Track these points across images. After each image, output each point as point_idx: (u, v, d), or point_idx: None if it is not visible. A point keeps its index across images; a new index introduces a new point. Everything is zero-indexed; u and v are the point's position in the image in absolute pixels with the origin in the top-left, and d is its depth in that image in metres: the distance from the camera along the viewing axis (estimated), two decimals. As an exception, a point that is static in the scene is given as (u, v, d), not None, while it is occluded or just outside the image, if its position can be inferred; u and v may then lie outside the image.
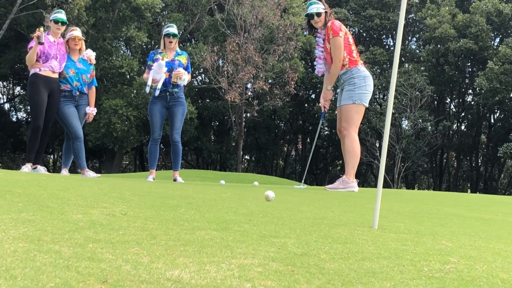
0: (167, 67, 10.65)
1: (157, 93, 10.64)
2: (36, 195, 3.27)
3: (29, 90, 10.10)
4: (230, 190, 6.11)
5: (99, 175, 10.47)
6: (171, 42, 10.83)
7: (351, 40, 8.74)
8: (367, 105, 8.79)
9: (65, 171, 10.36)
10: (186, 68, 10.90)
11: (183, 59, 10.97)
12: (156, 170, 11.12)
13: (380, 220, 3.30)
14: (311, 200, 5.87)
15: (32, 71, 10.01)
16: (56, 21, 10.16)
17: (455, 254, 2.68)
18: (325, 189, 9.05)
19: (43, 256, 1.98)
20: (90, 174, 10.37)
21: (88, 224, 2.62)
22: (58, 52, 10.12)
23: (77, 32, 10.47)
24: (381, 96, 51.79)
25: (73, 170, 17.03)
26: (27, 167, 9.98)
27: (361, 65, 8.75)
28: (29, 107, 10.65)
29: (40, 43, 9.79)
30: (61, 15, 10.28)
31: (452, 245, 2.95)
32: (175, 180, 10.85)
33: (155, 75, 10.60)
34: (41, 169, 10.20)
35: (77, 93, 10.37)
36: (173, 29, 10.95)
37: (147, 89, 10.71)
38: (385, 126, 3.12)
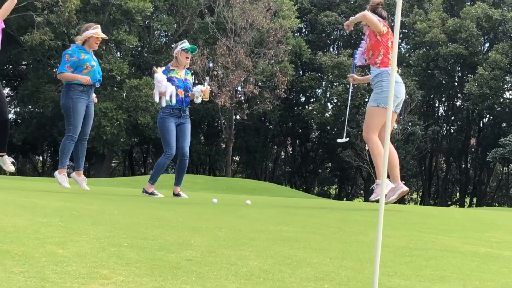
0: (182, 87, 10.62)
1: (163, 103, 10.55)
2: (35, 257, 3.24)
3: None
4: (226, 222, 6.08)
5: (88, 188, 10.42)
6: (188, 57, 10.77)
7: (390, 43, 8.79)
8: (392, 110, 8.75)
9: (66, 181, 10.16)
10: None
11: (190, 77, 11.03)
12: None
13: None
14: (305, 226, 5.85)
15: None
16: None
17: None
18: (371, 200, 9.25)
19: None
20: (84, 185, 10.31)
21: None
22: None
23: (101, 31, 10.28)
24: (371, 100, 51.82)
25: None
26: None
27: (387, 66, 8.80)
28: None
29: None
30: None
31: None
32: (177, 195, 10.83)
33: (160, 88, 10.54)
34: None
35: (98, 84, 10.20)
36: (190, 45, 10.90)
37: (163, 103, 10.61)
38: (385, 133, 3.10)
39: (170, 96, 10.50)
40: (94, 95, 10.34)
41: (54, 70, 44.36)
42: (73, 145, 10.01)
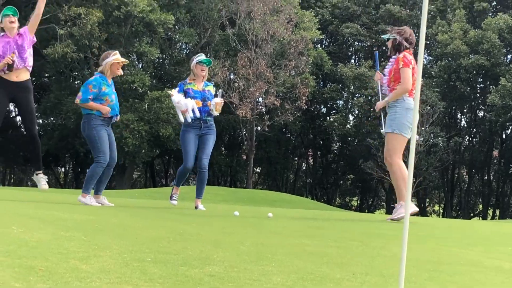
0: (199, 97, 10.66)
1: (189, 119, 10.58)
2: (59, 273, 3.24)
3: None
4: (248, 236, 6.06)
5: (112, 204, 10.43)
6: (203, 70, 10.81)
7: (415, 75, 8.86)
8: (408, 136, 8.87)
9: (93, 200, 10.17)
10: (214, 97, 10.93)
11: (212, 89, 11.01)
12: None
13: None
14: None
15: None
16: (6, 15, 9.84)
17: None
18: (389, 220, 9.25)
19: None
20: (105, 201, 10.35)
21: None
22: (16, 45, 9.82)
23: (120, 56, 10.38)
24: (393, 111, 51.61)
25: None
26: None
27: (409, 96, 8.93)
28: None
29: (9, 70, 9.72)
30: (9, 9, 10.11)
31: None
32: (196, 207, 10.85)
33: (181, 108, 10.61)
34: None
35: (115, 119, 10.31)
36: (205, 57, 10.94)
37: (189, 119, 10.65)
38: (410, 145, 3.11)
39: (193, 111, 10.57)
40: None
41: (76, 83, 44.63)
42: (101, 171, 10.07)
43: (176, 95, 10.61)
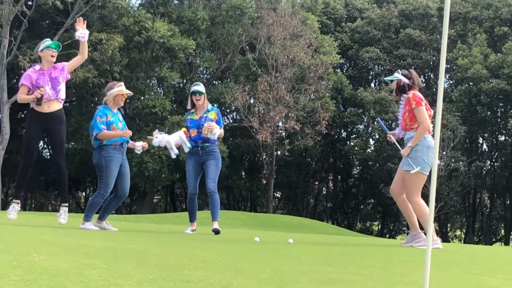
0: (194, 126, 10.85)
1: (173, 155, 10.93)
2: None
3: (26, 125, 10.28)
4: (268, 263, 6.03)
5: (116, 229, 10.50)
6: (198, 100, 11.00)
7: (429, 111, 9.11)
8: (427, 173, 9.02)
9: (92, 225, 10.28)
10: (217, 123, 11.01)
11: (212, 114, 11.10)
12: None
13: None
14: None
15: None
16: (49, 47, 10.09)
17: None
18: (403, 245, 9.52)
19: None
20: (109, 227, 10.41)
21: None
22: (49, 78, 10.04)
23: (125, 88, 10.54)
24: (413, 136, 51.42)
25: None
26: (14, 210, 10.18)
27: (429, 134, 9.05)
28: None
29: (39, 104, 9.87)
30: (50, 41, 10.27)
31: None
32: (213, 230, 10.86)
33: (171, 145, 10.84)
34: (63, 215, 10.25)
35: (125, 145, 10.41)
36: (199, 87, 11.11)
37: (173, 155, 10.88)
38: (432, 171, 3.07)
39: (184, 144, 10.79)
40: (141, 142, 10.61)
41: (98, 107, 44.88)
42: (101, 202, 10.22)
43: (155, 139, 10.87)
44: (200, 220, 11.54)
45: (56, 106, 10.02)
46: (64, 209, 10.22)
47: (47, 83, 9.86)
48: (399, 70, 9.50)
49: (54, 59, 10.09)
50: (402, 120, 9.32)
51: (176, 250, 6.55)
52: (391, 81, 9.51)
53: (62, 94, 10.04)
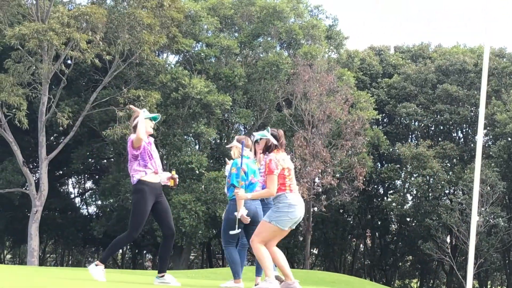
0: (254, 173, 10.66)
1: (238, 215, 10.42)
2: None
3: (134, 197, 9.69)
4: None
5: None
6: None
7: (286, 172, 9.24)
8: (285, 229, 9.17)
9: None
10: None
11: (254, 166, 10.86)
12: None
13: None
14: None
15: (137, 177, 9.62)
16: (154, 119, 9.87)
17: None
18: None
19: None
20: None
21: None
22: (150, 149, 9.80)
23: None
24: (451, 191, 50.96)
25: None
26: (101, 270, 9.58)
27: (291, 192, 9.22)
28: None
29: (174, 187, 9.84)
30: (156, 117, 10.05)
31: None
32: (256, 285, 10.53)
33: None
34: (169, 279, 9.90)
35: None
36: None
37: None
38: (470, 229, 2.95)
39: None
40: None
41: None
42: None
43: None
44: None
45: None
46: (165, 278, 9.91)
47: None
48: (268, 128, 9.58)
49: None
50: (262, 175, 9.46)
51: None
52: (260, 138, 9.61)
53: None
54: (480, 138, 3.20)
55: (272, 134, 9.40)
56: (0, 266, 15.65)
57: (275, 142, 9.34)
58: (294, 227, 9.37)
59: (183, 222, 40.27)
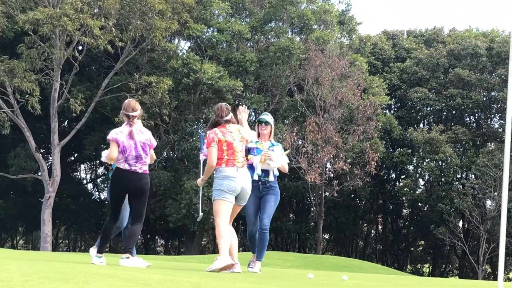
0: (258, 153, 10.52)
1: (255, 177, 10.51)
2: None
3: None
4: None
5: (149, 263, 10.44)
6: (264, 129, 10.76)
7: (225, 147, 9.54)
8: (228, 200, 9.42)
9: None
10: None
11: (279, 150, 10.79)
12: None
13: None
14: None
15: None
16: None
17: None
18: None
19: None
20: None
21: None
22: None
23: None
24: (464, 176, 50.88)
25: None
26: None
27: (226, 166, 9.47)
28: None
29: None
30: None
31: None
32: (249, 265, 10.68)
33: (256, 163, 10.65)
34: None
35: None
36: (266, 117, 10.84)
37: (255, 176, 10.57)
38: (501, 215, 2.95)
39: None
40: None
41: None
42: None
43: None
44: (242, 260, 11.36)
45: None
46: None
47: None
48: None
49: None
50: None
51: (232, 285, 6.47)
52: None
53: None
54: (509, 121, 3.18)
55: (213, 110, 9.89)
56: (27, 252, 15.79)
57: (216, 118, 9.68)
58: (243, 203, 9.65)
59: (196, 207, 40.34)
